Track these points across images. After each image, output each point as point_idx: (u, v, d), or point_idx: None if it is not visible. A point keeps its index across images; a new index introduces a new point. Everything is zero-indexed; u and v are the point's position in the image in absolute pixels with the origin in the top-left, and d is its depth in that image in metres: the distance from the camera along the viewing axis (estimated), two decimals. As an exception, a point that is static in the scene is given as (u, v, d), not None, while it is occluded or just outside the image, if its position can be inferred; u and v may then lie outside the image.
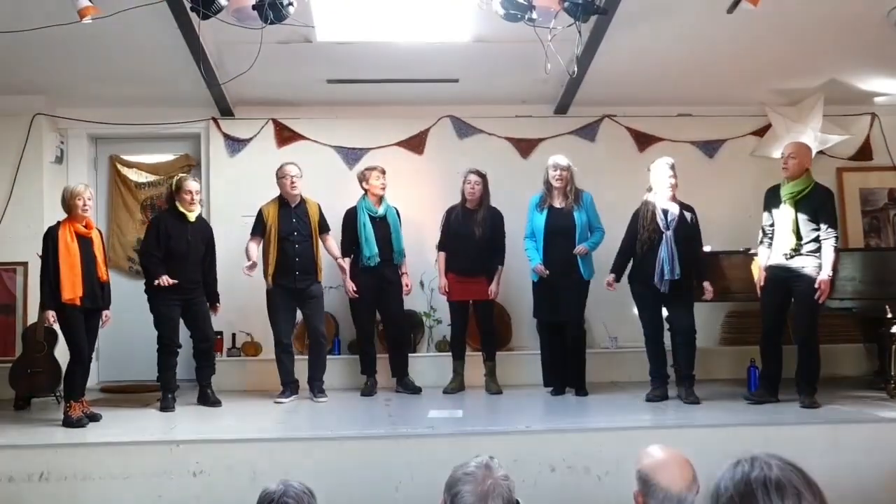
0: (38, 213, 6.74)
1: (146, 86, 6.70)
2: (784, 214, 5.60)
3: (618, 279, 6.01)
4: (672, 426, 5.22)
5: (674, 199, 5.88)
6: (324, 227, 6.43)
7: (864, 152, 7.67)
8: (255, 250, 6.25)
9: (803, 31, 5.88)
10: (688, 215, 5.85)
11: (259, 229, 6.29)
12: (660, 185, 5.87)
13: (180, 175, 6.42)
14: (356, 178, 6.59)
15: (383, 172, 6.49)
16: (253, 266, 6.14)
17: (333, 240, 6.48)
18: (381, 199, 6.50)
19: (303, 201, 6.34)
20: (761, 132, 7.56)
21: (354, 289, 6.39)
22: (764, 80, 6.95)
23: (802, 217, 5.53)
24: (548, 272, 6.06)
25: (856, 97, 7.36)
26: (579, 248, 6.00)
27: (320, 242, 6.40)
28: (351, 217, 6.51)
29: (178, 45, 5.69)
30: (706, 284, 5.83)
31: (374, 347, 6.63)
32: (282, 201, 6.31)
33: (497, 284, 6.39)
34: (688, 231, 5.82)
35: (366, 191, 6.49)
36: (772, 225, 5.74)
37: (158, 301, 5.94)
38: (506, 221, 6.50)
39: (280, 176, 6.27)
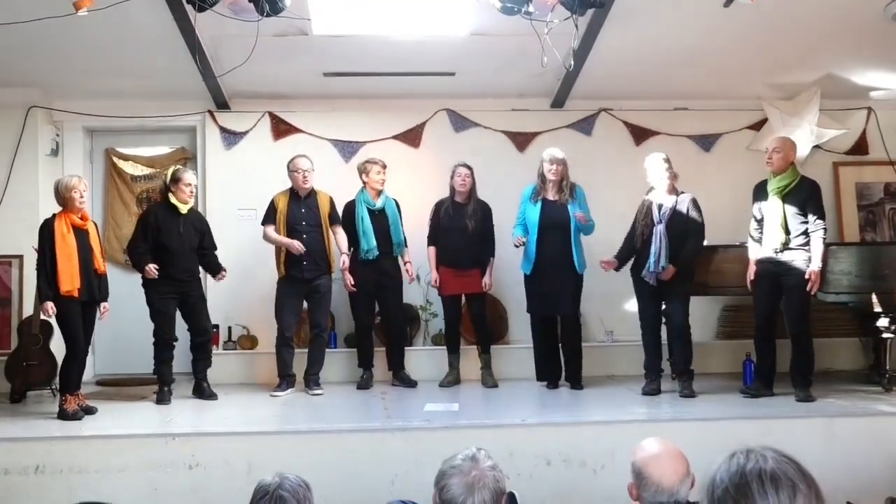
0: (33, 206, 6.71)
1: (142, 78, 6.68)
2: (772, 209, 5.63)
3: (618, 268, 6.02)
4: (668, 419, 5.24)
5: (672, 191, 5.89)
6: (335, 219, 6.42)
7: (861, 147, 7.68)
8: (275, 233, 6.25)
9: (800, 25, 5.88)
10: (684, 209, 5.83)
11: (271, 217, 6.30)
12: (655, 179, 5.88)
13: (177, 167, 6.39)
14: (356, 169, 6.58)
15: (384, 167, 6.48)
16: (297, 246, 6.13)
17: (343, 233, 6.46)
18: (379, 192, 6.50)
19: (313, 192, 6.35)
20: (757, 126, 7.57)
21: (352, 282, 6.40)
22: (760, 74, 6.95)
23: (790, 210, 5.56)
24: (524, 239, 6.07)
25: (852, 91, 7.35)
26: (579, 213, 5.96)
27: (331, 235, 6.39)
28: (350, 210, 6.50)
29: (174, 37, 5.68)
30: (668, 268, 5.72)
31: (372, 340, 6.63)
32: (293, 192, 6.33)
33: (489, 276, 6.41)
34: (683, 224, 5.80)
35: (365, 183, 6.49)
36: (760, 219, 5.77)
37: (154, 294, 5.92)
38: (501, 214, 6.50)
39: (292, 169, 6.28)
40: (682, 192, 5.91)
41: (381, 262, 6.42)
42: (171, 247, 5.93)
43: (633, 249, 5.98)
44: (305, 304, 6.43)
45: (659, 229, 5.76)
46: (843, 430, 4.86)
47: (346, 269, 6.38)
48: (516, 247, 6.15)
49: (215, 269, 6.19)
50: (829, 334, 6.83)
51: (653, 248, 5.75)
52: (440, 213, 6.48)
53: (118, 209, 7.47)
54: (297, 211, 6.28)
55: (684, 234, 5.79)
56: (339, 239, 6.43)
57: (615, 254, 6.05)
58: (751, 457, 1.56)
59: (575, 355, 6.21)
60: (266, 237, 6.29)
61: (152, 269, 5.82)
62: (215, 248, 6.24)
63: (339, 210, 6.49)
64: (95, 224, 5.83)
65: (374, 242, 6.35)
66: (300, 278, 6.23)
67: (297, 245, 6.12)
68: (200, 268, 6.23)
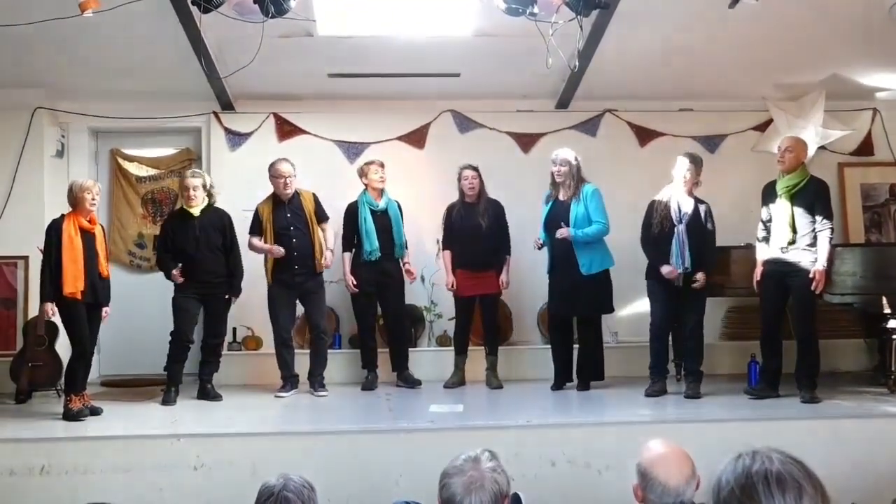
0: (38, 208, 6.74)
1: (147, 79, 6.69)
2: (780, 208, 5.62)
3: (668, 263, 5.84)
4: (673, 421, 5.24)
5: (690, 193, 5.88)
6: (321, 217, 6.41)
7: (866, 147, 7.66)
8: (260, 241, 6.26)
9: (805, 26, 5.87)
10: (703, 215, 5.83)
11: (256, 228, 6.31)
12: (677, 177, 5.88)
13: (185, 171, 6.43)
14: (356, 172, 6.58)
15: (382, 166, 6.48)
16: (277, 250, 6.18)
17: (331, 229, 6.46)
18: (381, 192, 6.49)
19: (296, 195, 6.32)
20: (762, 127, 7.55)
21: (354, 283, 6.40)
22: (765, 74, 6.94)
23: (798, 210, 5.55)
24: (542, 242, 6.10)
25: (857, 92, 7.34)
26: (560, 231, 5.92)
27: (319, 234, 6.37)
28: (352, 211, 6.50)
29: (179, 38, 5.69)
30: (699, 275, 5.74)
31: (375, 341, 6.63)
32: (276, 198, 6.31)
33: (507, 274, 6.40)
34: (701, 230, 5.81)
35: (366, 185, 6.48)
36: (769, 220, 5.76)
37: (178, 293, 5.99)
38: (507, 215, 6.50)
39: (274, 175, 6.24)
40: (703, 201, 5.90)
41: (382, 263, 6.41)
42: (189, 251, 5.98)
43: (652, 242, 5.94)
44: (301, 307, 6.44)
45: (680, 229, 5.76)
46: (849, 432, 4.85)
47: (329, 266, 6.37)
48: (537, 248, 6.16)
49: (234, 289, 6.20)
50: (835, 335, 6.80)
51: (675, 248, 5.74)
52: (452, 215, 6.48)
53: (123, 210, 7.48)
54: (283, 217, 6.25)
55: (700, 238, 5.79)
56: (326, 236, 6.40)
57: (649, 264, 5.97)
58: (756, 458, 1.56)
59: (584, 357, 6.19)
60: (250, 246, 6.30)
61: (176, 274, 5.92)
62: (236, 247, 6.21)
63: (330, 213, 6.48)
64: (103, 228, 5.85)
65: (376, 244, 6.35)
66: (291, 283, 6.23)
67: (277, 249, 6.16)
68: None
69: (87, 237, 5.51)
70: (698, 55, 6.39)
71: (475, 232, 6.32)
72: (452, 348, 6.62)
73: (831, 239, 5.52)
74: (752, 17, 5.50)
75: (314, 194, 6.42)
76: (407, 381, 6.48)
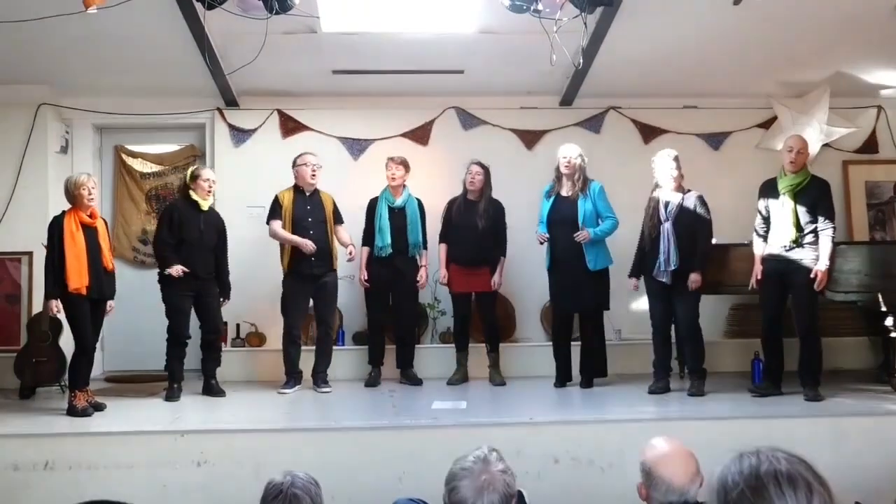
0: (42, 203, 6.74)
1: (151, 76, 6.70)
2: (783, 207, 5.62)
3: (637, 276, 6.02)
4: (676, 418, 5.23)
5: (678, 189, 5.88)
6: (338, 219, 6.41)
7: (870, 145, 7.65)
8: (284, 231, 6.18)
9: (810, 24, 5.86)
10: (691, 206, 5.82)
11: (278, 213, 6.23)
12: (662, 177, 5.87)
13: (196, 165, 6.42)
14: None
15: (398, 164, 6.45)
16: (308, 245, 6.09)
17: (346, 231, 6.45)
18: (400, 189, 6.49)
19: (317, 191, 6.33)
20: (767, 124, 7.54)
21: (366, 278, 6.41)
22: (770, 72, 6.93)
23: (801, 209, 5.55)
24: (547, 236, 6.07)
25: (862, 90, 7.33)
26: (579, 234, 5.93)
27: (334, 233, 6.37)
28: (371, 207, 6.52)
29: (183, 35, 5.70)
30: (692, 275, 5.74)
31: (384, 338, 6.62)
32: (297, 189, 6.30)
33: (500, 275, 6.39)
34: (691, 221, 5.79)
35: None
36: (767, 217, 5.75)
37: (171, 291, 5.95)
38: (510, 212, 6.50)
39: (301, 163, 6.23)
40: (689, 190, 5.90)
41: (395, 259, 6.41)
42: (192, 243, 5.95)
43: (645, 254, 5.99)
44: (311, 302, 6.43)
45: (666, 227, 5.76)
46: (852, 430, 4.84)
47: (353, 259, 6.39)
48: (540, 244, 6.16)
49: (222, 290, 6.20)
50: (838, 333, 6.80)
51: (661, 247, 5.75)
52: (452, 210, 6.48)
53: (127, 206, 7.49)
54: (304, 207, 6.25)
55: (691, 231, 5.78)
56: (341, 237, 6.40)
57: (629, 272, 6.04)
58: (762, 458, 1.55)
59: (587, 354, 6.19)
60: (274, 234, 6.23)
61: (179, 269, 5.83)
62: (226, 252, 6.22)
63: (341, 211, 6.48)
64: (105, 221, 5.85)
65: (388, 240, 6.35)
66: (309, 274, 6.21)
67: (308, 245, 6.10)
68: None
69: (89, 232, 5.51)
70: (702, 52, 6.38)
71: (471, 229, 6.32)
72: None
73: (833, 238, 5.52)
74: (757, 14, 5.50)
75: (332, 197, 6.42)
76: (409, 378, 6.48)
